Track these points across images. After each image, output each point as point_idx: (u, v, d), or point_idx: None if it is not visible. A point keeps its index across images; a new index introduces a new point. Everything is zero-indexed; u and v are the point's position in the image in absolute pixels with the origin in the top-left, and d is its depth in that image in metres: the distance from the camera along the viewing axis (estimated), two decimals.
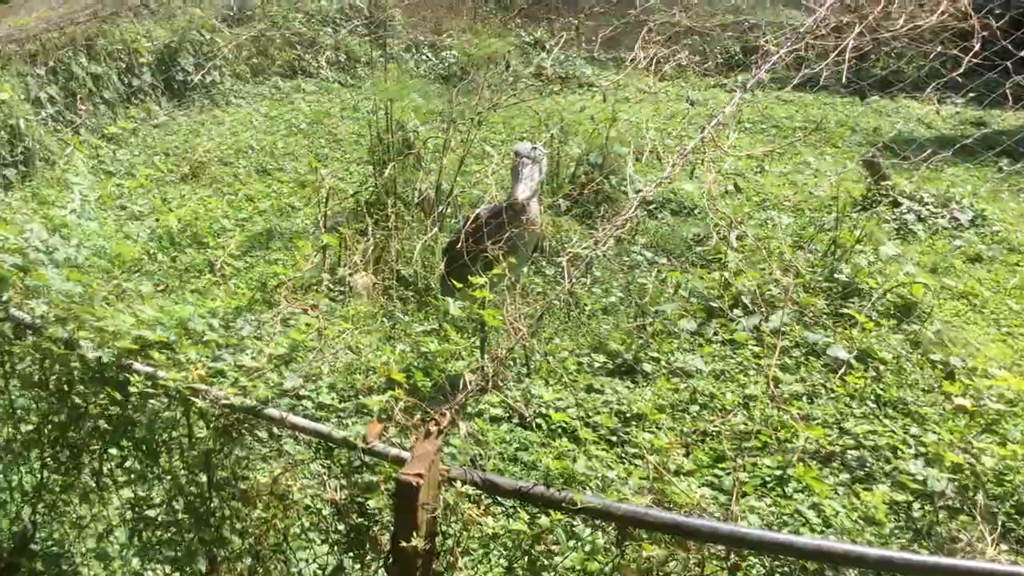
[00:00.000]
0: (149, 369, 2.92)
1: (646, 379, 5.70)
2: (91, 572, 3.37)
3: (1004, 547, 3.17)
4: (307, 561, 2.78)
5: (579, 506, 2.32)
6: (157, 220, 6.70)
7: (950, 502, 3.80)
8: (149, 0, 11.84)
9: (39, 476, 3.30)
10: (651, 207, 9.10)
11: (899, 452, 4.65)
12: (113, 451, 3.12)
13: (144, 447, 2.97)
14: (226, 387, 2.74)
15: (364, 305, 6.52)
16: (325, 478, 2.62)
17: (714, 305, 6.50)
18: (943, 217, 8.13)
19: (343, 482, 2.58)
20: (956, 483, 3.92)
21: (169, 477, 2.94)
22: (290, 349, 2.88)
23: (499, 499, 2.48)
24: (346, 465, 2.57)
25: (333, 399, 2.82)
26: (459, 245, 5.20)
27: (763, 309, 6.33)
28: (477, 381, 2.58)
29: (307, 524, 2.72)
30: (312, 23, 14.44)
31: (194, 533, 2.86)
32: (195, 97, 12.32)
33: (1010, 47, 4.49)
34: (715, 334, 6.25)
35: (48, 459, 3.26)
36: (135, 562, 3.10)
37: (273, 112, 12.56)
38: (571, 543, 2.51)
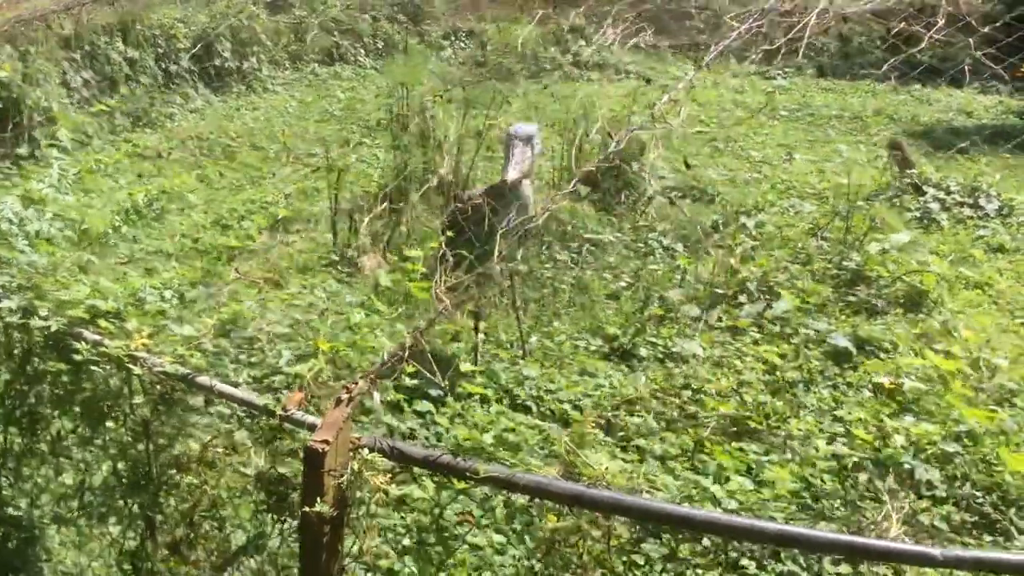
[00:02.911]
0: (97, 338, 2.99)
1: (641, 363, 5.68)
2: (54, 537, 3.47)
3: (908, 528, 3.10)
4: (236, 527, 2.83)
5: (482, 475, 2.33)
6: (129, 195, 6.85)
7: (864, 481, 3.74)
8: None
9: (3, 441, 3.40)
10: (672, 194, 9.00)
11: (816, 431, 4.64)
12: (66, 419, 3.21)
13: (91, 414, 3.04)
14: (164, 356, 2.80)
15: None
16: (250, 446, 2.67)
17: (720, 292, 6.44)
18: (968, 206, 7.92)
19: (265, 449, 2.62)
20: (868, 461, 3.88)
21: (113, 444, 3.01)
22: (230, 320, 2.93)
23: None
24: (267, 432, 2.61)
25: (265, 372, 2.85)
26: (451, 225, 5.22)
27: (768, 296, 6.25)
28: (396, 352, 2.61)
29: (236, 491, 2.77)
30: (350, 10, 14.53)
31: (133, 499, 2.93)
32: (232, 83, 12.50)
33: None
34: (718, 320, 6.19)
35: (11, 426, 3.36)
36: (83, 525, 3.18)
37: (308, 98, 12.70)
38: (483, 517, 2.53)
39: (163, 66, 11.46)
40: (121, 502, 3.00)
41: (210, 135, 10.93)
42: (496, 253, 3.22)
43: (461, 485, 2.39)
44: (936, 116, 11.93)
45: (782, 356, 5.65)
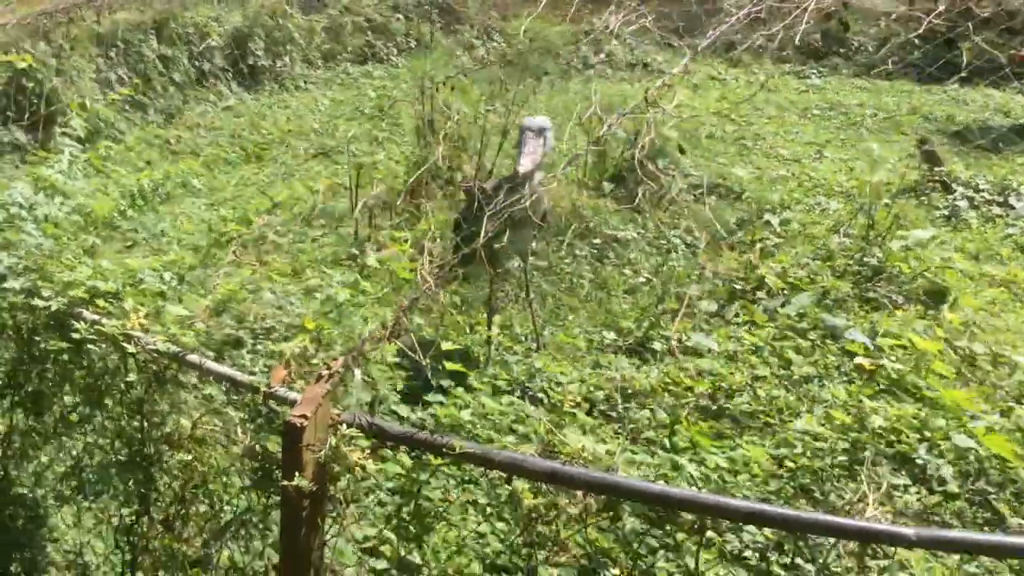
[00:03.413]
0: (95, 317, 3.05)
1: (655, 357, 5.66)
2: (58, 514, 3.55)
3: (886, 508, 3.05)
4: (225, 502, 2.87)
5: (458, 451, 2.34)
6: (138, 179, 6.97)
7: (838, 457, 3.71)
8: None
9: (10, 421, 3.48)
10: (698, 191, 8.96)
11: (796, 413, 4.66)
12: (68, 398, 3.27)
13: (90, 393, 3.10)
14: (156, 334, 2.85)
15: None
16: (236, 422, 2.71)
17: (738, 287, 6.40)
18: (998, 204, 7.80)
19: (251, 426, 2.66)
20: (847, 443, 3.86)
21: (111, 422, 3.07)
22: (224, 300, 2.97)
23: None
24: (252, 408, 2.64)
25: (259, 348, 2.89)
26: (466, 221, 5.25)
27: (787, 292, 6.20)
28: (378, 332, 2.63)
29: (225, 467, 2.81)
30: (384, 9, 14.62)
31: (128, 476, 2.98)
32: (264, 81, 12.64)
33: None
34: (735, 316, 6.15)
35: (17, 406, 3.43)
36: (82, 504, 3.25)
37: (339, 97, 12.81)
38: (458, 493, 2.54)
39: (196, 64, 11.62)
40: (117, 479, 3.05)
41: (242, 132, 11.08)
42: (482, 234, 3.22)
43: (438, 461, 2.41)
44: (972, 116, 11.74)
45: (798, 351, 5.61)
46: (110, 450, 3.10)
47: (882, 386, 4.83)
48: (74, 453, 3.29)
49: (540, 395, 5.24)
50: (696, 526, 2.32)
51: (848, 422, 3.97)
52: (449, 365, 3.66)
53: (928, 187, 8.12)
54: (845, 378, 5.03)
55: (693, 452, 3.69)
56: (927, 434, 4.72)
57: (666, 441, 4.12)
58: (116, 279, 3.17)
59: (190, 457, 2.84)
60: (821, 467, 3.61)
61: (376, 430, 2.45)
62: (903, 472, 4.59)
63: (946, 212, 7.83)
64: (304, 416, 2.38)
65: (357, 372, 2.50)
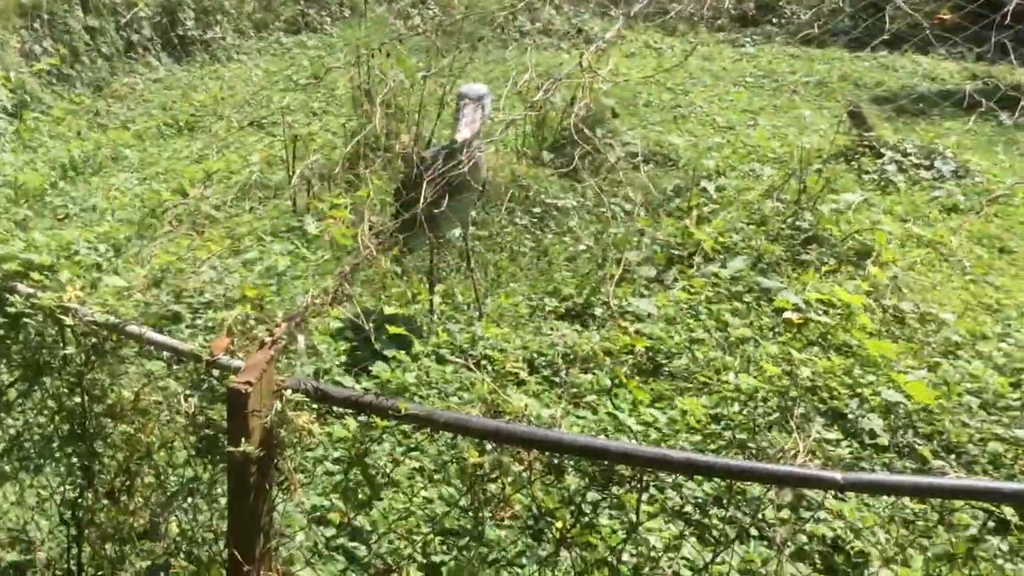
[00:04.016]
0: (30, 291, 3.01)
1: (595, 323, 5.74)
2: (0, 491, 3.51)
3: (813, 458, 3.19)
4: (170, 472, 2.87)
5: (403, 413, 2.37)
6: (68, 151, 6.85)
7: (771, 413, 3.84)
8: None
9: None
10: (636, 160, 9.05)
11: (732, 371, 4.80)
12: (6, 375, 3.22)
13: (28, 367, 3.06)
14: (93, 306, 2.82)
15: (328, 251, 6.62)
16: (179, 392, 2.70)
17: (675, 253, 6.50)
18: (925, 168, 8.01)
19: (195, 395, 2.66)
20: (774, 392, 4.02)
21: (50, 397, 3.04)
22: (161, 270, 2.95)
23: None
24: (194, 377, 2.64)
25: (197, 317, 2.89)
26: (406, 189, 5.25)
27: (723, 257, 6.32)
28: (319, 296, 2.64)
29: (169, 437, 2.81)
30: None
31: (70, 449, 2.97)
32: (195, 52, 12.40)
33: None
34: (674, 280, 6.26)
35: None
36: (23, 480, 3.21)
37: (272, 68, 12.62)
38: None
39: (124, 35, 11.35)
40: (59, 453, 3.03)
41: (173, 104, 10.87)
42: (422, 200, 3.24)
43: (383, 424, 2.44)
44: (901, 82, 12.01)
45: (734, 313, 5.74)
46: (50, 424, 3.07)
47: (810, 340, 4.99)
48: (12, 432, 3.25)
49: (484, 362, 5.31)
50: (637, 480, 2.39)
51: (778, 374, 4.10)
52: (392, 329, 3.68)
53: (858, 152, 8.30)
54: (779, 337, 5.17)
55: (632, 409, 3.78)
56: (859, 391, 4.91)
57: (607, 402, 4.20)
58: (50, 252, 3.12)
59: (133, 429, 2.83)
60: (754, 419, 3.73)
61: (321, 394, 2.47)
62: (836, 427, 4.77)
63: (875, 176, 8.02)
64: (248, 382, 2.39)
65: (301, 338, 2.52)
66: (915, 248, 6.68)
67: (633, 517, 2.51)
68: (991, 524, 3.32)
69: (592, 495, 2.44)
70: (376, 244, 2.85)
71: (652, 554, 2.76)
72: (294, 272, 3.23)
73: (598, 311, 5.83)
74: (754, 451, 3.46)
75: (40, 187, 5.42)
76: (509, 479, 2.43)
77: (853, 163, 8.22)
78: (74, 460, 2.99)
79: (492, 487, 2.45)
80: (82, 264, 3.13)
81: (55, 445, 3.03)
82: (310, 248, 3.87)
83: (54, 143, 7.50)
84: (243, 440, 2.39)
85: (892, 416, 4.72)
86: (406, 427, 3.61)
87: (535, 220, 7.65)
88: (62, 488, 3.13)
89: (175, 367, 2.76)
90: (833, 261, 6.17)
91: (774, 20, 15.39)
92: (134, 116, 10.24)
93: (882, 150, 8.26)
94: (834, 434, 4.66)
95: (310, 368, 2.44)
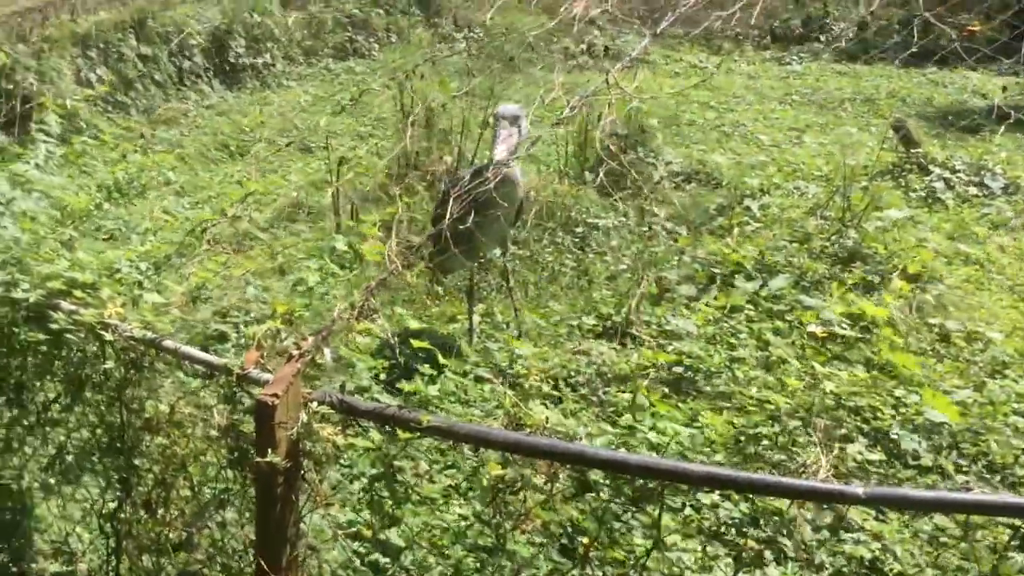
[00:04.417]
0: (73, 308, 3.10)
1: (634, 342, 5.73)
2: (44, 504, 3.59)
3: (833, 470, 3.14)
4: (204, 484, 2.93)
5: (425, 425, 2.40)
6: (113, 173, 7.02)
7: (795, 426, 3.79)
8: None
9: None
10: (679, 179, 9.04)
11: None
12: (50, 390, 3.32)
13: (71, 383, 3.15)
14: (132, 322, 2.90)
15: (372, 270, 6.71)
16: (212, 405, 2.76)
17: (717, 271, 6.47)
18: (974, 185, 7.89)
19: (227, 408, 2.72)
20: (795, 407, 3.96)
21: (92, 411, 3.12)
22: (197, 288, 3.03)
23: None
24: (226, 390, 2.70)
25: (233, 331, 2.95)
26: (439, 208, 5.32)
27: (765, 275, 6.28)
28: (346, 312, 2.69)
29: (203, 450, 2.86)
30: (364, 3, 14.65)
31: (109, 462, 3.04)
32: (246, 79, 12.66)
33: None
34: (714, 299, 6.22)
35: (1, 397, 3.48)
36: (66, 493, 3.30)
37: (321, 92, 12.83)
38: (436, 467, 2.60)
39: (176, 63, 11.63)
40: (100, 466, 3.10)
41: (224, 130, 11.10)
42: (448, 216, 3.27)
43: (406, 435, 2.47)
44: (951, 98, 11.85)
45: (775, 332, 5.68)
46: (92, 438, 3.15)
47: (835, 354, 4.96)
48: (57, 443, 3.34)
49: (520, 380, 5.32)
50: (658, 494, 2.39)
51: (800, 388, 4.08)
52: (416, 343, 3.72)
53: (904, 169, 8.20)
54: (819, 356, 5.11)
55: (654, 423, 3.78)
56: (902, 410, 4.83)
57: (643, 420, 4.19)
58: (93, 270, 3.21)
59: (168, 442, 2.89)
60: (776, 434, 3.70)
61: (346, 407, 2.51)
62: (879, 448, 4.69)
63: (923, 193, 7.92)
64: (275, 395, 2.44)
65: (327, 351, 2.56)
66: (962, 266, 6.57)
67: (667, 537, 2.51)
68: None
69: (615, 508, 2.44)
70: (403, 260, 2.90)
71: (676, 570, 2.75)
72: (327, 288, 3.29)
73: (636, 330, 5.82)
74: (775, 467, 3.43)
75: (86, 208, 5.58)
76: (531, 492, 2.44)
77: (900, 180, 8.12)
78: (112, 473, 3.06)
79: (513, 501, 2.46)
80: (124, 282, 3.21)
81: (95, 458, 3.11)
82: (347, 267, 3.94)
83: (102, 166, 7.70)
84: (269, 451, 2.44)
85: (935, 436, 4.64)
86: (443, 445, 3.66)
87: (577, 240, 7.67)
88: (101, 500, 3.20)
89: (208, 381, 2.82)
90: (877, 279, 6.09)
91: (821, 37, 15.31)
92: (183, 140, 10.47)
93: (930, 167, 8.15)
94: (877, 455, 4.59)
95: (350, 384, 2.49)
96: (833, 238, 6.60)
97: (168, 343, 2.85)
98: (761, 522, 3.77)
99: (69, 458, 3.23)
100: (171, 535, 2.99)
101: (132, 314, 3.02)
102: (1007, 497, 2.34)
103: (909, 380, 5.05)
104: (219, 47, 12.29)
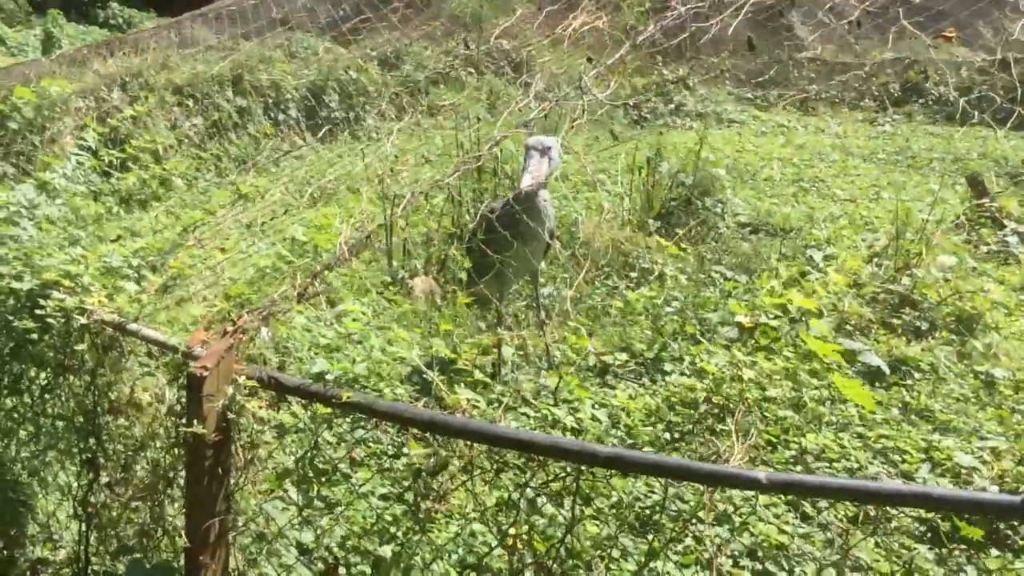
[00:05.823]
0: (64, 297, 3.27)
1: (664, 378, 5.64)
2: (37, 490, 3.74)
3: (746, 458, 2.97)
4: (160, 460, 3.00)
5: (344, 400, 2.43)
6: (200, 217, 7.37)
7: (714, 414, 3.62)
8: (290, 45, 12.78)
9: None
10: (745, 229, 8.93)
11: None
12: (43, 377, 3.48)
13: (56, 368, 3.31)
14: (106, 308, 3.04)
15: (420, 305, 6.81)
16: (164, 383, 2.86)
17: (762, 315, 6.33)
18: None
19: (174, 385, 2.80)
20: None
21: (70, 394, 3.26)
22: (172, 278, 3.15)
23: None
24: (174, 369, 2.79)
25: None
26: (470, 241, 5.41)
27: (806, 319, 6.11)
28: (287, 294, 2.75)
29: (157, 429, 2.95)
30: (457, 63, 15.08)
31: (83, 445, 3.16)
32: (338, 132, 13.14)
33: None
34: (754, 340, 6.08)
35: None
36: (48, 474, 3.43)
37: (409, 146, 13.20)
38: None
39: (271, 115, 12.17)
40: (76, 450, 3.23)
41: (310, 178, 11.51)
42: (470, 236, 3.33)
43: (325, 411, 2.50)
44: None
45: (813, 374, 5.51)
46: (69, 423, 3.28)
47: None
48: (45, 430, 3.49)
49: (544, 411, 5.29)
50: (572, 477, 2.35)
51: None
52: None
53: (978, 222, 7.90)
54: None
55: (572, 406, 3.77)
56: (931, 454, 4.63)
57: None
58: (87, 263, 3.38)
59: (128, 423, 2.99)
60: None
61: (274, 382, 2.56)
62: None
63: (995, 247, 7.60)
64: (204, 367, 2.52)
65: (264, 330, 2.63)
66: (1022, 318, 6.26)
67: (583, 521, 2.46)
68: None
69: (529, 493, 2.41)
70: (351, 248, 2.96)
71: (585, 546, 2.68)
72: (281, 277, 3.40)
73: (668, 367, 5.73)
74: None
75: (97, 213, 5.86)
76: (448, 473, 2.44)
77: (972, 233, 7.82)
78: (85, 456, 3.18)
79: (432, 479, 2.46)
80: (116, 275, 3.36)
81: (73, 440, 3.23)
82: (305, 256, 4.04)
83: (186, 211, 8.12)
84: (196, 422, 2.51)
85: (963, 481, 4.41)
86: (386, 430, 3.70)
87: (631, 286, 7.63)
88: (76, 484, 3.32)
89: (159, 360, 2.92)
90: (926, 326, 5.86)
91: (919, 100, 14.99)
92: (270, 186, 10.91)
93: (1004, 221, 7.83)
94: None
95: (272, 351, 2.56)
96: (885, 284, 6.38)
97: (132, 326, 2.97)
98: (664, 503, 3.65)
99: (54, 444, 3.36)
100: (132, 516, 3.07)
101: (112, 302, 3.16)
102: (915, 488, 2.21)
103: (955, 428, 4.86)
104: (313, 102, 12.81)
